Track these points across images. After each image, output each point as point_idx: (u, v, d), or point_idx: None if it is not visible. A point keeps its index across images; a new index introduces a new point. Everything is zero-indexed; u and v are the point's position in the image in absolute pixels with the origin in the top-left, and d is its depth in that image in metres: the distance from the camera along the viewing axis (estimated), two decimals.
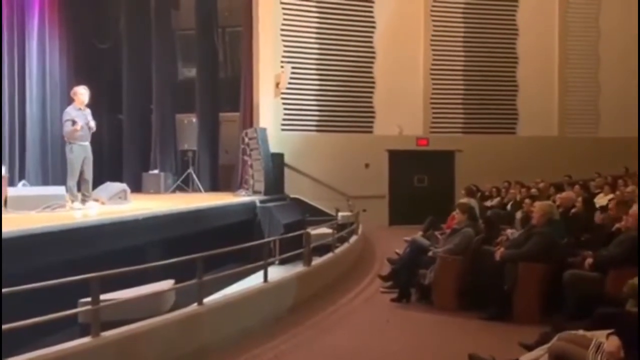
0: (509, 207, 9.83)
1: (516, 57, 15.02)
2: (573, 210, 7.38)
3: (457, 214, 6.92)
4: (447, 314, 5.90)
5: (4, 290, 3.48)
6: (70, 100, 8.44)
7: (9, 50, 11.28)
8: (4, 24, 11.15)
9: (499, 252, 5.84)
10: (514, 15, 14.99)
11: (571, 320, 4.49)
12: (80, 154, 7.83)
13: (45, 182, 11.21)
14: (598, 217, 6.66)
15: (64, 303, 3.93)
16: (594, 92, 15.12)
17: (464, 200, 8.30)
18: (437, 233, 8.67)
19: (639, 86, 14.10)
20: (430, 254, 6.52)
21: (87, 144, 7.95)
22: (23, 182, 10.47)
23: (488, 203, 10.87)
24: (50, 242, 5.26)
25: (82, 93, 7.96)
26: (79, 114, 7.85)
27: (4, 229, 5.12)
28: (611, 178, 10.64)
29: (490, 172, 13.02)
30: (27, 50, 11.68)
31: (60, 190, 7.89)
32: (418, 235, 8.01)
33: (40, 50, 12.08)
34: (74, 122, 7.72)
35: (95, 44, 13.84)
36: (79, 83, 12.26)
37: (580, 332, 3.48)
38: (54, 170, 11.84)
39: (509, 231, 7.31)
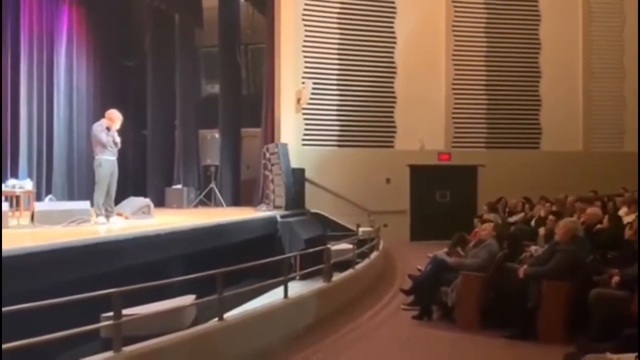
0: (532, 222, 9.66)
1: (539, 71, 14.87)
2: (599, 227, 7.22)
3: (481, 229, 6.82)
4: (470, 332, 5.80)
5: (28, 305, 3.54)
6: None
7: (38, 67, 11.59)
8: (34, 42, 11.50)
9: (522, 270, 5.74)
10: (536, 28, 14.88)
11: (597, 340, 4.38)
12: (109, 168, 7.99)
13: (71, 197, 11.42)
14: (627, 233, 6.47)
15: (86, 317, 3.98)
16: (619, 105, 14.86)
17: (485, 216, 8.20)
18: (461, 250, 8.52)
19: (639, 100, 13.87)
20: (454, 261, 6.43)
21: (115, 159, 8.11)
22: (50, 196, 10.70)
23: (513, 219, 10.70)
24: (74, 256, 5.34)
25: (118, 121, 8.11)
26: (106, 131, 8.02)
27: (30, 244, 5.25)
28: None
29: (514, 187, 12.82)
30: (55, 67, 12.00)
31: (85, 204, 8.05)
32: (441, 251, 7.92)
33: (68, 67, 12.40)
34: (106, 134, 7.91)
35: (121, 62, 14.16)
36: (105, 100, 12.68)
37: (607, 354, 3.40)
38: (79, 185, 12.07)
39: (532, 248, 7.18)
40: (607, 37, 14.87)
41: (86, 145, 10.99)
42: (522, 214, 10.88)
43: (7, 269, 4.49)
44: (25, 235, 6.58)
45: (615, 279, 5.18)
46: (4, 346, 3.27)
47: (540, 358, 4.40)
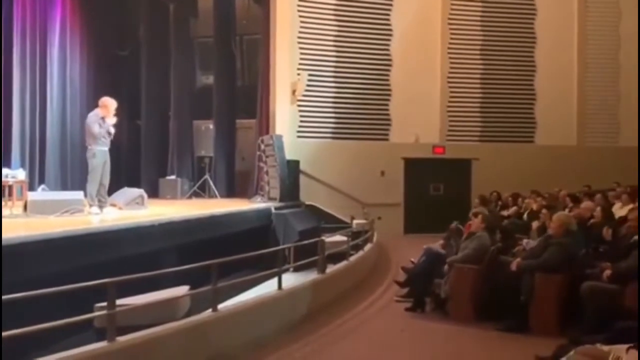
0: (525, 216, 9.71)
1: (534, 65, 14.88)
2: (592, 221, 7.27)
3: (473, 222, 6.83)
4: (463, 325, 5.83)
5: (21, 294, 3.53)
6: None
7: (31, 57, 11.51)
8: (27, 31, 11.40)
9: (515, 263, 5.78)
10: (532, 22, 14.88)
11: (589, 333, 4.42)
12: (102, 158, 7.97)
13: (64, 187, 11.37)
14: (624, 229, 6.43)
15: (80, 307, 3.97)
16: (614, 100, 14.91)
17: (478, 209, 8.20)
18: (454, 243, 8.55)
19: (639, 94, 13.93)
20: (448, 261, 6.44)
21: (107, 149, 8.08)
22: (42, 186, 10.66)
23: (505, 212, 10.74)
24: (68, 246, 5.33)
25: (112, 107, 8.08)
26: (102, 122, 7.99)
27: (23, 233, 5.22)
28: (630, 188, 10.44)
29: (508, 181, 12.86)
30: (48, 57, 11.91)
31: (78, 195, 8.01)
32: (436, 244, 7.94)
33: (61, 57, 12.30)
34: (100, 125, 7.88)
35: (115, 51, 14.05)
36: (98, 90, 12.57)
37: (598, 345, 3.42)
38: (72, 175, 12.01)
39: (524, 241, 7.21)
40: (602, 31, 14.89)
41: (79, 135, 10.93)
42: (514, 208, 10.93)
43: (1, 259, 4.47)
44: (18, 224, 6.55)
45: (607, 272, 5.22)
46: None
47: (533, 350, 4.42)
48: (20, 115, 11.24)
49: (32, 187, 10.24)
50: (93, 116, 7.99)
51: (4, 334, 3.28)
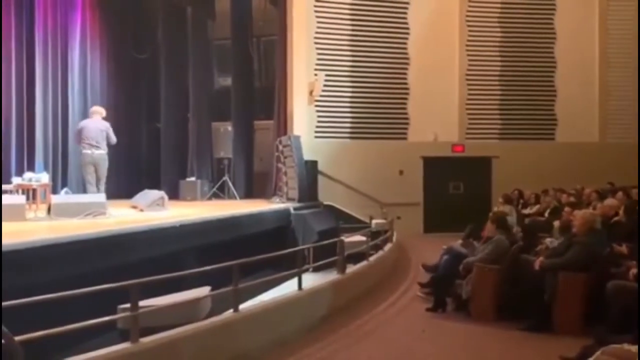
0: (546, 214, 9.58)
1: (554, 61, 14.69)
2: (616, 219, 7.14)
3: (487, 227, 6.79)
4: (485, 325, 5.78)
5: (46, 296, 3.59)
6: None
7: (53, 61, 11.70)
8: (48, 36, 11.59)
9: (538, 262, 5.71)
10: (551, 18, 14.68)
11: (615, 333, 4.34)
12: None
13: (86, 190, 11.51)
14: None
15: (103, 309, 4.02)
16: (636, 95, 14.61)
17: (500, 208, 8.14)
18: (475, 242, 8.47)
19: (639, 90, 13.67)
20: (463, 262, 6.39)
21: None
22: (65, 189, 10.81)
23: (527, 211, 10.62)
24: (91, 248, 5.39)
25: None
26: None
27: (49, 236, 5.31)
28: None
29: (528, 179, 12.73)
30: (69, 61, 12.11)
31: (101, 197, 8.11)
32: (457, 243, 7.89)
33: (82, 61, 12.50)
34: None
35: (133, 54, 14.22)
36: (118, 93, 12.87)
37: (625, 346, 3.36)
38: None
39: (547, 240, 7.11)
40: (623, 26, 14.62)
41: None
42: (537, 206, 10.80)
43: (26, 261, 4.56)
44: (42, 227, 6.66)
45: (633, 271, 5.13)
46: (21, 337, 3.31)
47: (557, 350, 4.37)
48: (43, 120, 11.43)
49: (55, 191, 10.41)
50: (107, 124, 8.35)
51: (28, 335, 3.33)
